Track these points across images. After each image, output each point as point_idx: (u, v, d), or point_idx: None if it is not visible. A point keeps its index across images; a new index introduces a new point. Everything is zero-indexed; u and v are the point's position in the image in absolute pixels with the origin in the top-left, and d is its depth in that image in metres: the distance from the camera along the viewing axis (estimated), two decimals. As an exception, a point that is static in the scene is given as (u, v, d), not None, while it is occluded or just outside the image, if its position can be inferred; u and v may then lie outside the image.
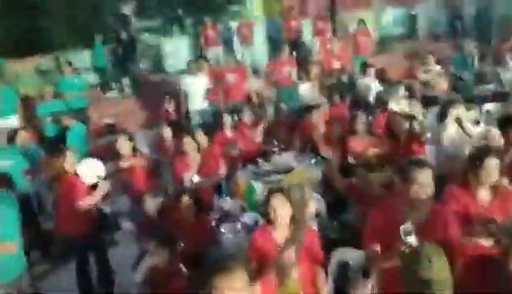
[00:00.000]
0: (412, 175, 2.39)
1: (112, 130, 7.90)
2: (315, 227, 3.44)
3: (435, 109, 5.08)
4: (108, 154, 5.21)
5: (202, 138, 5.34)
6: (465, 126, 4.12)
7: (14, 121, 6.98)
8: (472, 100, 5.79)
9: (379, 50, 9.64)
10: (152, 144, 6.68)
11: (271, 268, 2.63)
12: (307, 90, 7.24)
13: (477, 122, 4.78)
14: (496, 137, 3.54)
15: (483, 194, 2.62)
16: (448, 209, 2.50)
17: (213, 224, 3.93)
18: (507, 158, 2.87)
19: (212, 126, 6.67)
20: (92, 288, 4.15)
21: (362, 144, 4.42)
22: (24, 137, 5.11)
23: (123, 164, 4.72)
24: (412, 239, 2.22)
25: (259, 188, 4.21)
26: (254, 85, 8.06)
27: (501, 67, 7.16)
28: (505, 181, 2.69)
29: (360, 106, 5.88)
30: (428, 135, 4.31)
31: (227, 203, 4.29)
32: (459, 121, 4.15)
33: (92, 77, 9.76)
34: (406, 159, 2.67)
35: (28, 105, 7.76)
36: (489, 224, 2.41)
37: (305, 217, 3.28)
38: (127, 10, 9.86)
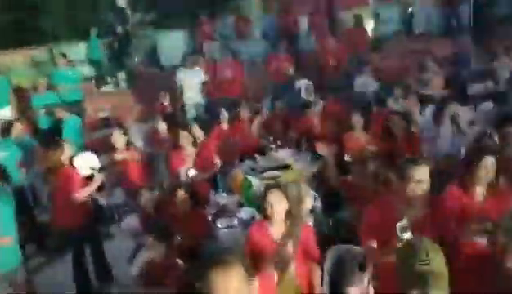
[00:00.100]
0: (409, 173, 2.41)
1: (107, 123, 7.87)
2: (310, 223, 3.46)
3: (431, 107, 5.12)
4: (103, 148, 5.21)
5: (198, 132, 5.35)
6: (460, 125, 4.15)
7: (7, 112, 6.93)
8: (467, 99, 5.85)
9: (375, 47, 9.64)
10: (147, 137, 6.67)
11: (269, 263, 2.64)
12: (303, 86, 7.24)
13: (472, 122, 4.82)
14: (492, 136, 3.56)
15: (480, 193, 2.64)
16: (445, 206, 2.52)
17: (210, 218, 3.93)
18: (503, 157, 2.90)
19: (208, 120, 6.67)
20: (88, 280, 4.15)
21: (359, 142, 4.44)
22: (19, 129, 5.07)
23: (117, 157, 4.72)
24: (408, 236, 2.24)
25: (256, 183, 4.22)
26: (251, 80, 8.04)
27: (496, 66, 7.22)
28: (502, 180, 2.71)
29: (356, 103, 5.90)
30: (425, 132, 4.35)
31: (224, 198, 4.29)
32: (454, 119, 4.18)
33: (87, 70, 9.67)
34: (403, 157, 2.69)
35: (21, 97, 7.69)
36: (485, 222, 2.43)
37: (301, 213, 3.30)
38: (122, 2, 9.80)
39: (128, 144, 4.86)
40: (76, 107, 7.21)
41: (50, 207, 4.46)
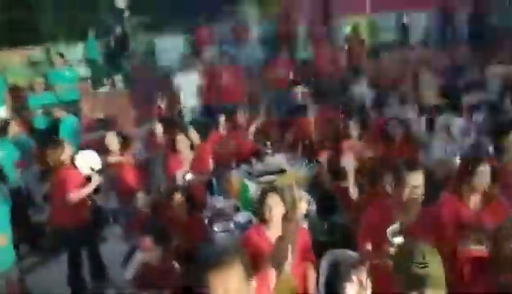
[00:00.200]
0: (404, 178, 2.44)
1: (103, 124, 7.84)
2: (305, 227, 3.48)
3: (424, 117, 5.20)
4: (98, 149, 5.19)
5: (194, 135, 5.36)
6: (453, 135, 4.21)
7: (1, 112, 6.90)
8: (461, 109, 5.92)
9: (371, 56, 9.74)
10: (143, 140, 6.66)
11: (266, 265, 2.65)
12: (300, 93, 7.29)
13: (467, 131, 4.88)
14: (487, 145, 3.62)
15: (475, 201, 2.67)
16: (440, 213, 2.56)
17: (206, 222, 3.93)
18: (498, 166, 2.94)
19: (204, 124, 6.68)
20: (83, 282, 4.13)
21: (355, 149, 4.47)
22: (15, 129, 5.05)
23: (111, 159, 4.71)
24: (399, 240, 2.27)
25: (252, 187, 4.24)
26: (249, 85, 8.08)
27: (490, 76, 7.33)
28: (496, 189, 2.75)
29: (352, 111, 5.95)
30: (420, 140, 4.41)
31: (221, 202, 4.30)
32: (446, 129, 4.24)
33: (84, 70, 9.65)
34: (399, 162, 2.73)
35: (17, 96, 7.66)
36: (480, 230, 2.46)
37: (296, 217, 3.32)
38: (121, 3, 9.81)
39: (123, 146, 4.85)
40: (73, 107, 7.19)
41: (48, 206, 4.43)
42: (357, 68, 8.06)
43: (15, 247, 3.48)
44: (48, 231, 4.77)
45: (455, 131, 4.45)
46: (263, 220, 2.85)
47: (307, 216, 3.82)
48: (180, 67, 7.82)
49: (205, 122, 6.89)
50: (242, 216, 3.88)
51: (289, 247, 2.70)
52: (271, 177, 4.56)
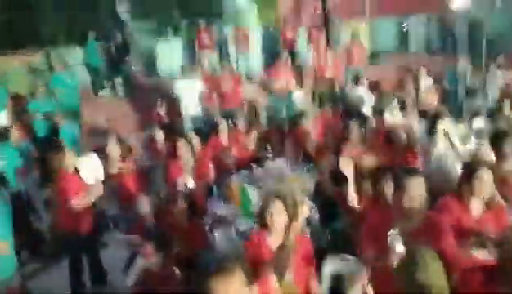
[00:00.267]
0: (405, 184, 2.44)
1: (103, 131, 7.85)
2: (307, 233, 3.48)
3: (424, 122, 5.19)
4: (99, 155, 5.19)
5: (195, 141, 5.36)
6: (452, 141, 4.21)
7: (2, 118, 6.90)
8: (461, 115, 5.94)
9: (371, 62, 9.79)
10: (144, 146, 6.66)
11: (267, 272, 2.65)
12: (300, 98, 7.32)
13: (467, 137, 4.89)
14: (488, 152, 3.62)
15: (476, 207, 2.68)
16: (442, 219, 2.56)
17: (207, 228, 3.93)
18: (498, 173, 2.95)
19: (205, 130, 6.69)
20: (84, 287, 4.12)
21: (356, 153, 4.47)
22: (16, 135, 5.06)
23: (113, 167, 4.71)
24: (399, 247, 2.27)
25: (253, 193, 4.23)
26: (249, 92, 8.11)
27: (489, 83, 7.36)
28: (497, 195, 2.75)
29: (352, 116, 5.96)
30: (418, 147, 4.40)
31: (221, 208, 4.30)
32: (446, 135, 4.23)
33: (84, 75, 9.67)
34: (400, 168, 2.73)
35: (18, 103, 7.67)
36: (481, 236, 2.47)
37: (299, 223, 3.31)
38: (122, 9, 9.85)
39: (124, 153, 4.86)
40: (73, 113, 7.20)
41: (47, 213, 4.43)
42: (357, 72, 8.08)
43: (17, 253, 3.47)
44: (49, 237, 4.76)
45: (455, 137, 4.45)
46: (265, 227, 2.84)
47: (309, 222, 3.82)
48: (180, 73, 7.82)
49: (206, 128, 6.90)
50: (243, 223, 3.87)
51: (290, 255, 2.70)
52: (273, 183, 4.55)
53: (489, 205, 2.67)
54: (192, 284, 3.05)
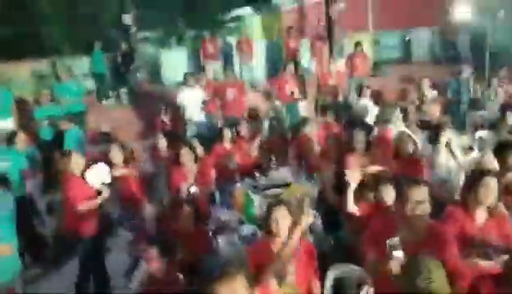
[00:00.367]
0: (408, 193, 2.43)
1: (107, 138, 7.89)
2: (311, 241, 3.49)
3: (427, 133, 5.22)
4: (103, 161, 5.21)
5: (198, 149, 5.39)
6: (454, 152, 4.22)
7: (9, 123, 6.96)
8: (464, 126, 5.96)
9: (374, 72, 9.84)
10: (147, 154, 6.69)
11: (270, 275, 2.65)
12: (303, 107, 7.36)
13: (470, 148, 4.90)
14: (491, 160, 3.63)
15: (480, 215, 2.67)
16: (446, 228, 2.55)
17: (210, 234, 3.94)
18: (502, 183, 2.95)
19: (208, 138, 6.72)
20: (88, 291, 4.11)
21: (360, 163, 4.48)
22: (22, 140, 5.09)
23: (116, 172, 4.74)
24: (399, 254, 2.27)
25: (257, 200, 4.25)
26: (252, 100, 8.16)
27: (491, 94, 7.40)
28: (501, 205, 2.76)
29: (356, 126, 5.99)
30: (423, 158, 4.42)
31: (225, 214, 4.31)
32: (448, 146, 4.25)
33: (90, 84, 9.75)
34: (403, 177, 2.74)
35: (23, 108, 7.73)
36: (485, 245, 2.47)
37: (303, 230, 3.32)
38: (128, 19, 9.97)
39: (127, 159, 4.89)
40: (78, 118, 7.25)
41: (54, 216, 4.44)
42: (361, 83, 8.13)
43: (21, 255, 3.48)
44: (52, 242, 4.76)
45: (457, 148, 4.46)
46: (270, 233, 2.85)
47: (312, 230, 3.83)
48: (184, 81, 7.89)
49: (209, 135, 6.94)
50: (247, 229, 3.88)
51: (292, 258, 2.71)
52: (277, 190, 4.57)
53: (492, 213, 2.67)
54: (195, 289, 3.05)
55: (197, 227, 3.78)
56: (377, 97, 7.54)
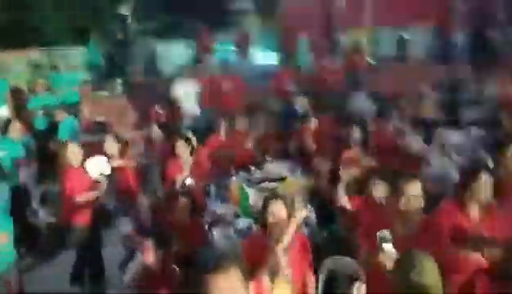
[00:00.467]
0: (404, 187, 2.47)
1: (102, 128, 7.86)
2: (305, 234, 3.51)
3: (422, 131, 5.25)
4: (97, 152, 5.20)
5: (193, 140, 5.38)
6: (446, 149, 4.26)
7: (3, 111, 6.92)
8: (459, 124, 5.99)
9: (371, 69, 9.84)
10: (142, 145, 6.67)
11: (265, 269, 2.67)
12: (300, 102, 7.35)
13: (464, 146, 4.94)
14: (486, 157, 3.67)
15: (475, 211, 2.69)
16: (439, 222, 2.59)
17: (206, 227, 3.95)
18: (497, 179, 2.98)
19: (204, 130, 6.71)
20: (83, 282, 4.11)
21: (356, 158, 4.52)
22: (17, 129, 5.06)
23: (113, 163, 4.73)
24: (389, 247, 2.30)
25: (252, 194, 4.26)
26: (249, 94, 8.14)
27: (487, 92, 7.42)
28: (494, 202, 2.78)
29: (353, 121, 6.00)
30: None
31: (220, 207, 4.32)
32: (442, 144, 4.29)
33: (85, 74, 9.68)
34: (397, 171, 2.76)
35: (19, 98, 7.68)
36: (479, 239, 2.50)
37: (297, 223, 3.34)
38: (125, 10, 9.89)
39: (122, 150, 4.87)
40: (73, 108, 7.22)
41: (49, 206, 4.43)
42: (358, 80, 8.15)
43: (15, 245, 3.46)
44: (46, 232, 4.75)
45: (451, 145, 4.50)
46: (265, 227, 2.87)
47: (306, 224, 3.85)
48: (180, 73, 7.87)
49: (205, 128, 6.93)
50: (242, 222, 3.90)
51: (284, 252, 2.73)
52: (273, 184, 4.58)
53: (486, 209, 2.70)
54: (190, 281, 3.06)
55: (193, 219, 3.79)
56: (374, 93, 7.55)
